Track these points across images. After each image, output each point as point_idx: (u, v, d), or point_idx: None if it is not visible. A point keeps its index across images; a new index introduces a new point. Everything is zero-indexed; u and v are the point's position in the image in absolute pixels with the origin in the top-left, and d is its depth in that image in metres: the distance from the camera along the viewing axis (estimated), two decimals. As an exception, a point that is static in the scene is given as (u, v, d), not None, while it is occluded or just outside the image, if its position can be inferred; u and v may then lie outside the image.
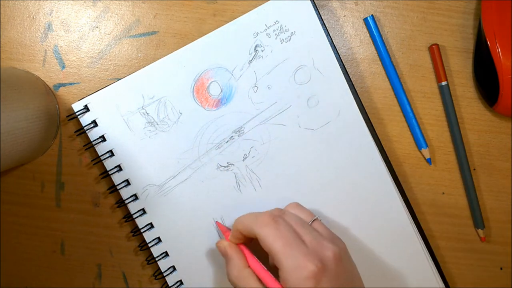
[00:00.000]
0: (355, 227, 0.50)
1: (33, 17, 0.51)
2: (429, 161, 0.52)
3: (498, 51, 0.47)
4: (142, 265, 0.54)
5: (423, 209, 0.53)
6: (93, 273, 0.54)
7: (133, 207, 0.50)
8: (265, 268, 0.42)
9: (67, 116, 0.50)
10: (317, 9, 0.48)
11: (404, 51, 0.51)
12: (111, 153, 0.49)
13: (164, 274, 0.51)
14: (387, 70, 0.51)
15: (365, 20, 0.51)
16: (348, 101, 0.49)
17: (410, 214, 0.50)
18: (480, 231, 0.52)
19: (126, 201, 0.50)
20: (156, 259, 0.51)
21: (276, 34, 0.49)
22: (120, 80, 0.49)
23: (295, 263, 0.39)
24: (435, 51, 0.50)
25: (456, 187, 0.53)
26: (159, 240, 0.51)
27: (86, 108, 0.49)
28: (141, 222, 0.50)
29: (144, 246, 0.51)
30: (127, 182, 0.50)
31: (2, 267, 0.54)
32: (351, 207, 0.50)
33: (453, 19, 0.51)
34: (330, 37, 0.49)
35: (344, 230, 0.50)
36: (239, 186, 0.50)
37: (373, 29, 0.50)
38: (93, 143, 0.49)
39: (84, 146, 0.51)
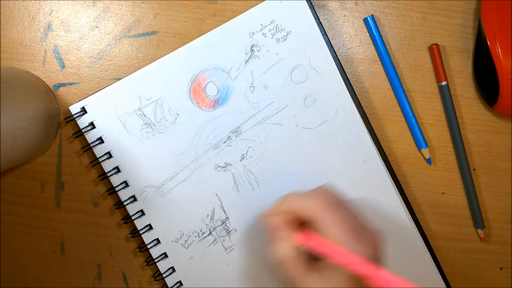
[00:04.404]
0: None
1: (33, 17, 0.51)
2: (429, 161, 0.52)
3: (498, 51, 0.46)
4: (142, 265, 0.54)
5: (423, 209, 0.53)
6: (93, 273, 0.54)
7: (131, 209, 0.50)
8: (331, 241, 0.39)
9: (65, 119, 0.50)
10: (313, 8, 0.48)
11: (404, 51, 0.51)
12: (109, 154, 0.49)
13: (164, 276, 0.51)
14: (387, 70, 0.51)
15: (365, 20, 0.50)
16: (345, 100, 0.49)
17: (410, 214, 0.50)
18: (480, 231, 0.52)
19: (125, 203, 0.50)
20: (155, 260, 0.51)
21: (272, 33, 0.49)
22: (116, 82, 0.49)
23: (355, 246, 0.38)
24: (435, 51, 0.50)
25: (456, 187, 0.52)
26: (158, 241, 0.51)
27: (84, 110, 0.49)
28: (139, 223, 0.50)
29: (143, 248, 0.51)
30: (126, 184, 0.50)
31: (2, 267, 0.55)
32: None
33: (453, 19, 0.50)
34: (327, 36, 0.49)
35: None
36: (237, 186, 0.50)
37: (373, 29, 0.50)
38: (91, 145, 0.49)
39: (82, 148, 0.52)
